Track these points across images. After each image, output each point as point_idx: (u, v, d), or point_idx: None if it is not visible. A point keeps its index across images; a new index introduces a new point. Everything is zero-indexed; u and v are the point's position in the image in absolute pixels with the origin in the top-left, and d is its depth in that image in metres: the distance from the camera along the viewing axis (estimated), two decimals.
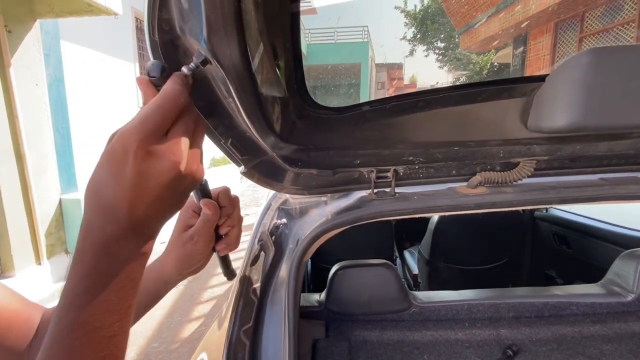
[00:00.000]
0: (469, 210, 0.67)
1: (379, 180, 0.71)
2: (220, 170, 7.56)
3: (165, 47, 0.35)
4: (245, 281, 0.67)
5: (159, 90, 0.30)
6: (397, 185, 0.72)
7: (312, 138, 0.58)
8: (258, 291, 0.66)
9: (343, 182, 0.72)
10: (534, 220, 1.80)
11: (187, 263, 0.48)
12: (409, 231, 2.70)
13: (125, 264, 0.29)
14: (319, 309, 0.91)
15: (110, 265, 0.28)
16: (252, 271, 0.70)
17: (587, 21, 5.34)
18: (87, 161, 4.13)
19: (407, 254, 2.47)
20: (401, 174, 0.70)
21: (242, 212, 0.49)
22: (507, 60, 8.39)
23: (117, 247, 0.28)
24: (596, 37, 5.09)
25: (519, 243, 1.79)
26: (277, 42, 0.40)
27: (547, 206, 0.79)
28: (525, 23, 6.17)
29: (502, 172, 0.70)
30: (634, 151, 0.67)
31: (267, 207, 0.85)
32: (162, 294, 0.51)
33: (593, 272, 1.47)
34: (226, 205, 0.45)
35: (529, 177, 0.70)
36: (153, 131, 0.28)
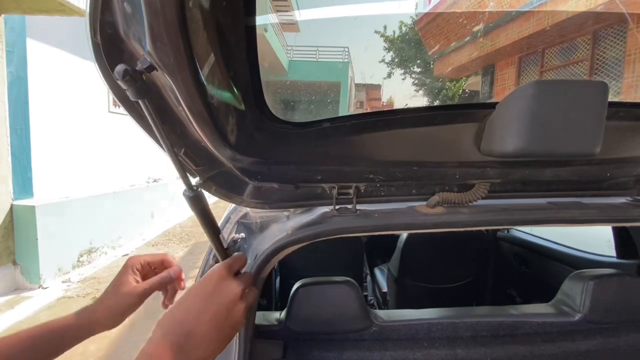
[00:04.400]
0: (427, 229, 0.68)
1: (341, 197, 0.71)
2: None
3: (108, 50, 0.34)
4: None
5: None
6: (358, 202, 0.72)
7: (272, 151, 0.57)
8: None
9: (305, 197, 0.72)
10: (497, 241, 1.87)
11: (119, 316, 0.52)
12: (380, 248, 2.72)
13: None
14: (277, 327, 0.88)
15: None
16: None
17: (547, 57, 5.80)
18: (48, 166, 3.89)
19: (377, 272, 2.48)
20: (362, 191, 0.71)
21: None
22: (477, 87, 8.89)
23: None
24: (555, 72, 5.53)
25: (483, 263, 1.85)
26: (232, 54, 0.39)
27: (499, 227, 0.82)
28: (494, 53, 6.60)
29: (458, 193, 0.72)
30: (577, 177, 0.71)
31: (226, 221, 0.83)
32: (69, 347, 0.50)
33: (548, 291, 1.53)
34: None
35: (482, 198, 0.73)
36: (228, 267, 0.45)
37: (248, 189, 0.66)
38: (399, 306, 1.90)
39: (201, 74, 0.35)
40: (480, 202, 0.74)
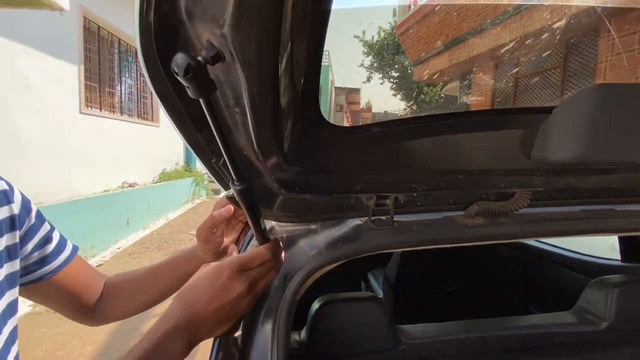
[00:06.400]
0: (471, 242, 0.64)
1: (377, 208, 0.65)
2: (170, 185, 7.06)
3: (161, 33, 0.26)
4: None
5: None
6: (395, 214, 0.66)
7: (315, 159, 0.51)
8: (239, 341, 0.55)
9: (338, 209, 0.65)
10: (499, 246, 1.87)
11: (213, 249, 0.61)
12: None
13: (174, 353, 0.41)
14: (299, 351, 0.80)
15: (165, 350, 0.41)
16: None
17: (521, 65, 6.06)
18: (11, 171, 3.58)
19: (370, 277, 2.44)
20: (401, 201, 0.65)
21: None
22: (455, 93, 9.16)
23: (177, 336, 0.42)
24: (529, 78, 5.78)
25: (483, 268, 1.85)
26: (303, 45, 0.33)
27: (546, 238, 0.81)
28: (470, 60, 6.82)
29: (499, 202, 0.68)
30: (618, 185, 0.69)
31: (250, 237, 0.75)
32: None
33: (552, 296, 1.54)
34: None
35: (524, 207, 0.69)
36: (241, 265, 0.47)
37: (279, 201, 0.59)
38: (397, 313, 1.86)
39: (279, 67, 0.28)
40: (519, 211, 0.70)
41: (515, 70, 6.22)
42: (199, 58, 0.25)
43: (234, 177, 0.41)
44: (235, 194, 0.42)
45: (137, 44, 0.27)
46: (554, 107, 0.56)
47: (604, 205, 0.77)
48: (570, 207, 0.75)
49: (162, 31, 0.26)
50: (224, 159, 0.42)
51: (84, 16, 4.87)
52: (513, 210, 0.69)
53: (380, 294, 2.15)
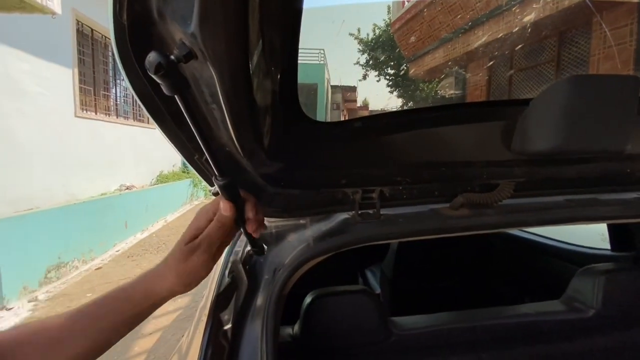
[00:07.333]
0: (457, 233, 0.65)
1: (364, 202, 0.66)
2: (168, 187, 7.05)
3: (135, 34, 0.27)
4: (214, 322, 0.57)
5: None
6: (381, 207, 0.68)
7: (300, 155, 0.52)
8: (229, 334, 0.56)
9: (325, 203, 0.67)
10: (490, 237, 1.89)
11: (187, 279, 0.48)
12: (368, 249, 2.69)
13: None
14: (292, 344, 0.81)
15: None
16: (222, 309, 0.59)
17: (516, 59, 6.07)
18: (8, 176, 3.58)
19: (368, 273, 2.45)
20: (387, 195, 0.67)
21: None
22: (450, 88, 9.17)
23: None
24: (524, 72, 5.80)
25: (481, 261, 1.87)
26: (276, 41, 0.34)
27: (530, 227, 0.82)
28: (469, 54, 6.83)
29: (483, 194, 0.70)
30: (597, 174, 0.71)
31: (239, 233, 0.76)
32: (144, 316, 0.48)
33: (546, 286, 1.56)
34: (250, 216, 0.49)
35: (508, 198, 0.70)
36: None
37: (265, 197, 0.60)
38: (395, 308, 1.87)
39: (250, 64, 0.29)
40: (503, 202, 0.72)
41: (510, 63, 6.23)
42: (172, 57, 0.27)
43: (216, 172, 0.42)
44: (218, 189, 0.43)
45: (113, 45, 0.28)
46: (532, 99, 0.57)
47: (587, 195, 0.79)
48: (554, 197, 0.77)
49: (136, 31, 0.27)
50: (207, 155, 0.43)
51: (76, 19, 4.85)
52: (497, 201, 0.70)
53: (378, 290, 2.17)
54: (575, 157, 0.66)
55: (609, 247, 1.34)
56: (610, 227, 1.30)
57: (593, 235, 1.50)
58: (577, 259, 1.37)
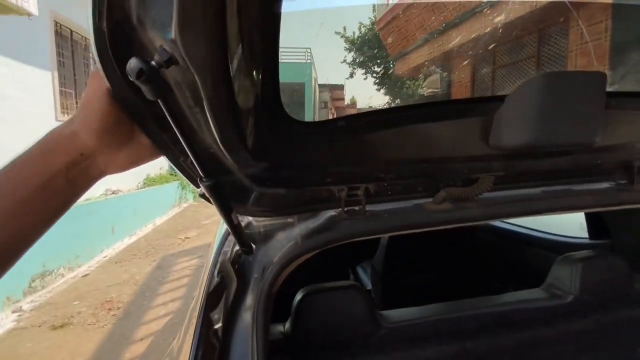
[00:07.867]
0: (441, 226, 0.67)
1: (350, 199, 0.68)
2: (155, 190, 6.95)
3: (115, 40, 0.28)
4: (205, 322, 0.57)
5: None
6: (367, 203, 0.69)
7: (284, 154, 0.53)
8: (220, 333, 0.57)
9: (312, 201, 0.68)
10: (476, 231, 1.94)
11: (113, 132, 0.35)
12: (359, 246, 2.72)
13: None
14: (283, 341, 0.83)
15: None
16: (212, 309, 0.60)
17: (498, 55, 6.20)
18: None
19: (359, 270, 2.48)
20: (372, 192, 0.68)
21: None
22: (436, 85, 9.29)
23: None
24: (506, 68, 5.93)
25: (468, 254, 1.91)
26: (256, 45, 0.35)
27: (510, 219, 0.85)
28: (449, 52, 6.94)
29: (464, 188, 0.72)
30: (571, 166, 0.74)
31: (228, 233, 0.77)
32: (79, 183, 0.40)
33: (531, 275, 1.61)
34: None
35: (487, 191, 0.73)
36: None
37: (252, 197, 0.61)
38: (386, 303, 1.90)
39: (231, 68, 0.30)
40: (483, 195, 0.75)
41: (493, 60, 6.36)
42: (152, 62, 0.27)
43: (201, 174, 0.43)
44: (204, 190, 0.44)
45: (93, 51, 0.28)
46: (507, 95, 0.60)
47: (562, 186, 0.82)
48: (531, 189, 0.80)
49: (116, 38, 0.28)
50: (191, 158, 0.44)
51: (54, 20, 4.73)
52: (477, 194, 0.73)
53: (369, 286, 2.19)
54: (549, 150, 0.69)
55: (587, 235, 1.40)
56: (588, 216, 1.36)
57: (574, 225, 1.56)
58: (558, 248, 1.42)
